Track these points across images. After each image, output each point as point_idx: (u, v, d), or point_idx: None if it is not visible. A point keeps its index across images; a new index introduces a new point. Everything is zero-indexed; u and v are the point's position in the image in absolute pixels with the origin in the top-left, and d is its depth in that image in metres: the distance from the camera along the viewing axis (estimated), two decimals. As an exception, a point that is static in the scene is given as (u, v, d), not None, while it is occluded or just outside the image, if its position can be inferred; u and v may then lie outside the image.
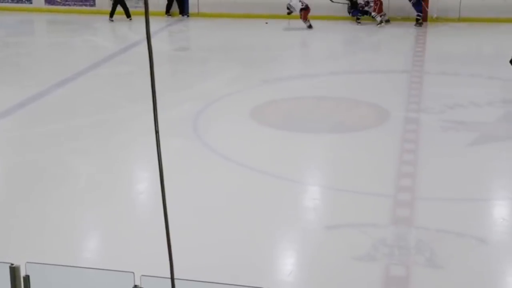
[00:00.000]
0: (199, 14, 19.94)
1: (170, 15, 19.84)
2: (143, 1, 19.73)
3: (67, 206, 7.54)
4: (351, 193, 7.85)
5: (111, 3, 19.43)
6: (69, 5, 20.50)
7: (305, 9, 18.10)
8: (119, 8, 19.08)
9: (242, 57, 15.18)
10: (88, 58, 14.99)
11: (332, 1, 18.79)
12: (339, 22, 18.80)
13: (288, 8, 18.35)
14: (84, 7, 20.46)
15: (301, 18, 18.14)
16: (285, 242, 6.92)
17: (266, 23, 18.61)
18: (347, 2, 18.70)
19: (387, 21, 18.42)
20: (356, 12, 18.54)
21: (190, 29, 19.31)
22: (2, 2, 20.97)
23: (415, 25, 18.07)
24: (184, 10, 19.94)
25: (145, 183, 8.53)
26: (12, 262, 3.85)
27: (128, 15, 19.12)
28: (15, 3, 20.95)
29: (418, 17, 18.14)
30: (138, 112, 10.68)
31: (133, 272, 3.83)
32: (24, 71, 14.23)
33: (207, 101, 11.50)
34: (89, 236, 7.17)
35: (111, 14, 19.21)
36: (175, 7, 19.95)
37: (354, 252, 6.38)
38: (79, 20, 19.52)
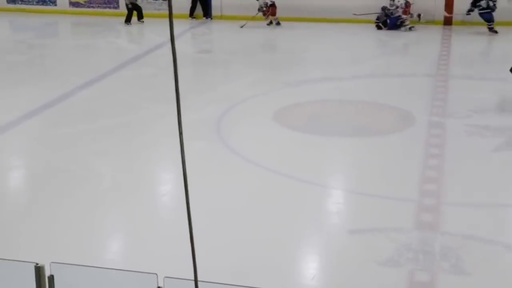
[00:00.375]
0: (222, 17, 19.97)
1: (194, 17, 19.90)
2: (166, 4, 19.87)
3: (90, 207, 7.56)
4: (374, 198, 7.79)
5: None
6: (93, 7, 20.65)
7: (273, 6, 18.77)
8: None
9: (265, 60, 15.17)
10: (111, 60, 15.09)
11: (355, 14, 18.61)
12: (364, 24, 18.70)
13: (259, 10, 18.83)
14: (107, 10, 20.59)
15: (268, 15, 18.75)
16: (308, 246, 6.88)
17: (241, 27, 18.65)
18: (377, 13, 18.46)
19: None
20: (392, 24, 18.20)
21: (213, 31, 19.35)
22: (28, 4, 21.19)
23: (489, 32, 17.54)
24: (207, 12, 19.99)
25: (167, 185, 8.53)
26: (37, 262, 3.86)
27: (140, 16, 19.30)
28: (40, 5, 21.15)
29: (490, 26, 17.53)
30: (161, 113, 10.70)
31: (156, 274, 3.81)
32: (49, 72, 14.34)
33: (230, 103, 11.50)
34: (112, 237, 7.18)
35: (127, 19, 19.33)
36: (198, 10, 20.00)
37: (378, 256, 6.31)
38: (103, 22, 19.65)
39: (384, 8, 18.30)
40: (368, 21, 18.71)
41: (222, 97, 11.98)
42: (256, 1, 18.90)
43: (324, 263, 6.53)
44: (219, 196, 7.80)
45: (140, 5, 19.27)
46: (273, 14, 18.88)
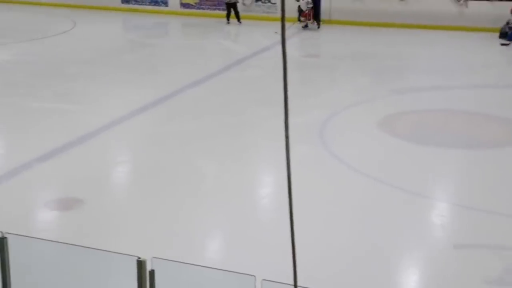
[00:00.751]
0: (331, 22, 19.84)
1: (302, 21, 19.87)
2: (275, 7, 19.96)
3: (192, 205, 7.65)
4: (482, 212, 7.44)
5: (243, 7, 19.77)
6: (203, 9, 21.04)
7: (311, 9, 18.86)
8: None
9: (372, 66, 14.92)
10: (219, 60, 15.29)
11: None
12: (476, 33, 18.05)
13: (299, 11, 18.82)
14: (217, 11, 20.91)
15: (303, 16, 18.79)
16: (410, 259, 6.65)
17: (276, 32, 18.39)
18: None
19: None
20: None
21: (321, 36, 19.25)
22: (141, 4, 21.85)
23: None
24: (316, 16, 19.92)
25: (269, 187, 8.51)
26: (139, 256, 3.91)
27: (238, 19, 19.60)
28: (153, 5, 21.77)
29: None
30: (265, 116, 10.72)
31: (254, 276, 3.77)
32: (158, 71, 14.71)
33: (335, 109, 11.36)
34: (212, 236, 7.23)
35: (227, 17, 19.89)
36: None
37: (485, 275, 6.01)
38: (212, 23, 19.97)
39: (508, 22, 17.61)
40: (482, 29, 18.06)
41: (326, 102, 11.86)
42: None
43: (426, 278, 6.28)
44: (320, 202, 7.70)
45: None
46: (310, 18, 18.95)
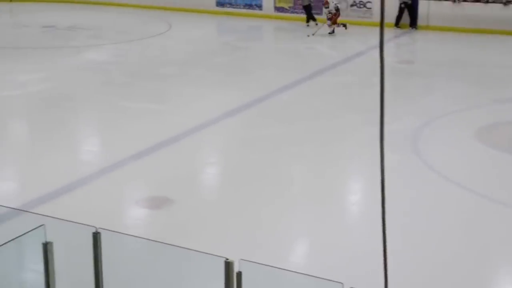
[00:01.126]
0: (428, 27, 19.35)
1: (399, 27, 19.49)
2: (370, 12, 19.68)
3: (280, 209, 7.60)
4: None
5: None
6: (296, 12, 21.00)
7: (337, 12, 18.43)
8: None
9: (471, 74, 14.41)
10: (311, 65, 15.18)
11: None
12: None
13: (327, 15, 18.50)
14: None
15: (331, 21, 18.38)
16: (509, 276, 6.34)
17: (308, 36, 18.20)
18: None
19: None
20: None
21: (417, 42, 18.81)
22: (235, 8, 22.02)
23: None
24: (413, 22, 19.50)
25: (359, 194, 8.35)
26: (227, 257, 3.88)
27: (313, 19, 19.72)
28: (247, 9, 21.91)
29: None
30: (356, 122, 10.55)
31: (342, 283, 3.67)
32: (250, 74, 14.77)
33: (429, 117, 11.02)
34: (299, 240, 7.14)
35: (307, 19, 19.92)
36: (404, 19, 19.54)
37: None
38: (306, 27, 19.87)
39: None
40: None
41: (421, 110, 11.53)
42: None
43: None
44: (411, 212, 7.47)
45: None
46: (335, 22, 18.50)
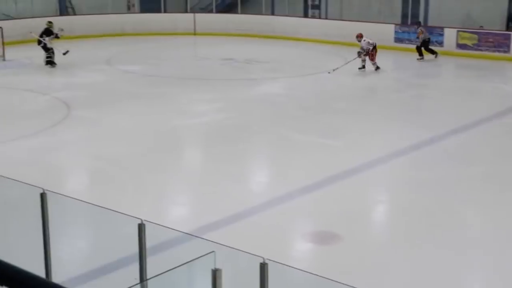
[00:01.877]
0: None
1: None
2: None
3: (452, 255, 7.20)
4: None
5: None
6: (481, 50, 20.12)
7: (374, 49, 17.74)
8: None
9: None
10: (493, 106, 14.34)
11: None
12: None
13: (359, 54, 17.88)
14: (497, 53, 19.85)
15: (369, 59, 17.80)
16: None
17: (329, 72, 17.26)
18: None
19: None
20: None
21: None
22: (414, 44, 21.49)
23: None
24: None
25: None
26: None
27: (432, 53, 19.60)
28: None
29: None
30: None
31: None
32: (424, 113, 14.31)
33: None
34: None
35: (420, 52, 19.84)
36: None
37: None
38: (491, 66, 18.96)
39: None
40: None
41: None
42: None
43: None
44: None
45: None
46: (372, 58, 17.85)
